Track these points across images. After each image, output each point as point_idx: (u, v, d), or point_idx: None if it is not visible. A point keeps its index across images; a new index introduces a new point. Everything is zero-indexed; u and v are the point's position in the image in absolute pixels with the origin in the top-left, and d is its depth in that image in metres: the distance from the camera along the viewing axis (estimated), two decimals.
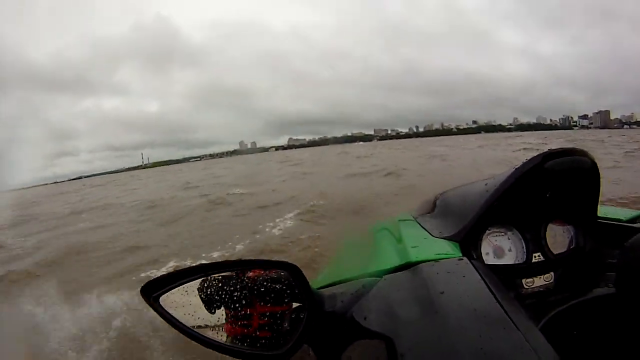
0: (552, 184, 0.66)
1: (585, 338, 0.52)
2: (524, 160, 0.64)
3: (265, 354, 0.46)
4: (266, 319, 0.47)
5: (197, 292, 0.46)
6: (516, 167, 0.65)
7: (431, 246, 0.66)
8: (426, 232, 0.76)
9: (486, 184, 0.71)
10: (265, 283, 0.48)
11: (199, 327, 0.46)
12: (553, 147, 0.63)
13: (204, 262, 0.42)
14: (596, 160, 0.65)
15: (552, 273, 0.70)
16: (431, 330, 0.37)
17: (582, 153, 0.65)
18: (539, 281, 0.69)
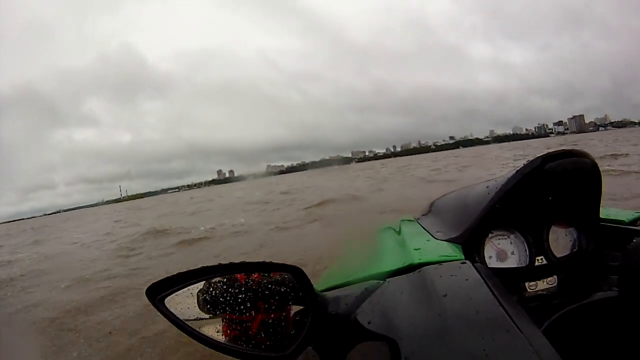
0: (554, 186, 0.66)
1: (588, 341, 0.52)
2: (525, 162, 0.64)
3: (269, 356, 0.47)
4: (270, 321, 0.48)
5: (202, 294, 0.47)
6: (517, 169, 0.65)
7: (434, 248, 0.67)
8: (429, 235, 0.76)
9: (487, 187, 0.71)
10: (269, 285, 0.49)
11: (204, 328, 0.47)
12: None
13: (208, 264, 0.47)
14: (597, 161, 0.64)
15: (555, 276, 0.70)
16: (434, 333, 0.38)
17: (583, 154, 0.64)
18: (542, 284, 0.69)
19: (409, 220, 0.92)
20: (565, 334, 0.48)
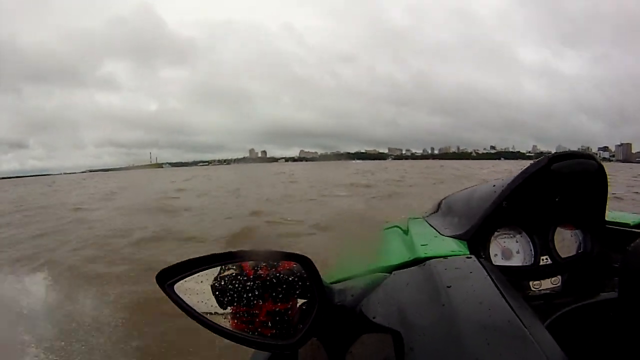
0: (560, 187, 0.68)
1: (587, 341, 0.53)
2: (532, 162, 0.67)
3: (275, 344, 0.47)
4: (277, 309, 0.49)
5: (210, 280, 0.48)
6: (524, 169, 0.67)
7: (440, 244, 0.69)
8: (435, 231, 0.78)
9: (494, 185, 0.73)
10: (277, 274, 0.49)
11: (212, 315, 0.47)
12: None
13: (218, 251, 0.47)
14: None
15: (559, 276, 0.72)
16: (437, 323, 0.38)
17: (589, 156, 0.66)
18: (546, 284, 0.71)
19: (417, 219, 0.93)
20: (565, 333, 0.49)
